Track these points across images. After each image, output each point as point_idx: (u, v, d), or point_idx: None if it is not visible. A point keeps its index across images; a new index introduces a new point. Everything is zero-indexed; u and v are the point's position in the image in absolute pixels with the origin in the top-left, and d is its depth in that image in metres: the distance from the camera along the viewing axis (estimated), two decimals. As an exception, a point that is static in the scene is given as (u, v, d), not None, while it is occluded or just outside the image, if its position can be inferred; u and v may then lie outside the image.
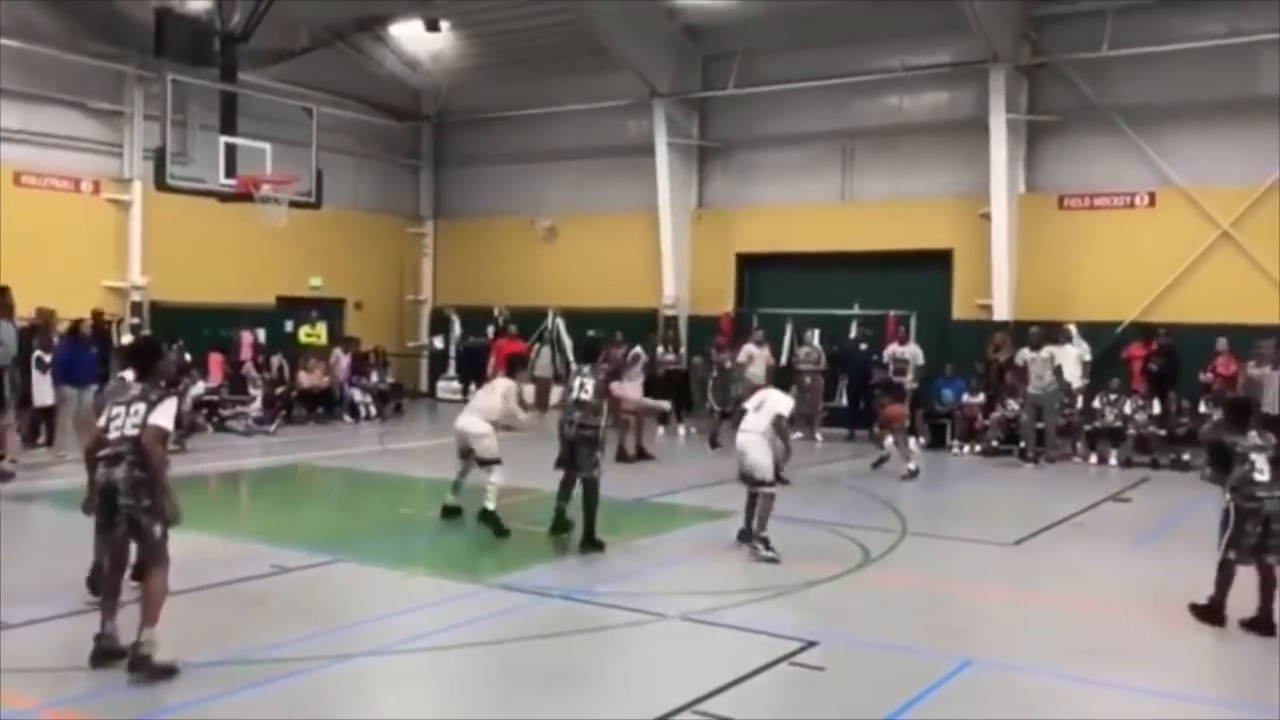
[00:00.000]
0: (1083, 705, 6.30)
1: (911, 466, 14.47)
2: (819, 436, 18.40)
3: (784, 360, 19.40)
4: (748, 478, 9.83)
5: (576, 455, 9.91)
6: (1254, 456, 7.43)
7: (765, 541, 9.50)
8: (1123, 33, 18.20)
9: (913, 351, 18.10)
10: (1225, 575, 7.50)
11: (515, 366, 11.88)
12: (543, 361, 21.27)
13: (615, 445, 15.25)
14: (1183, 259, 18.13)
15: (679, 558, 9.78)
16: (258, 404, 19.02)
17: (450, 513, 10.95)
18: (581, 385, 10.10)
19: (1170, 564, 9.81)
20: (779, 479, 11.20)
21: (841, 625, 7.55)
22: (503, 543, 10.10)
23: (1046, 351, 16.50)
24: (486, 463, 10.53)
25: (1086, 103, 19.04)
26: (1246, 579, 7.51)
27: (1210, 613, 7.56)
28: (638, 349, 16.49)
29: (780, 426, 9.92)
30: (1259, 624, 7.41)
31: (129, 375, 7.23)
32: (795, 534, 10.18)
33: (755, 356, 17.84)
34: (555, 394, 13.56)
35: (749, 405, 10.31)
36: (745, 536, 9.89)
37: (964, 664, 6.67)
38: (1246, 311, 16.92)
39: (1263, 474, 7.37)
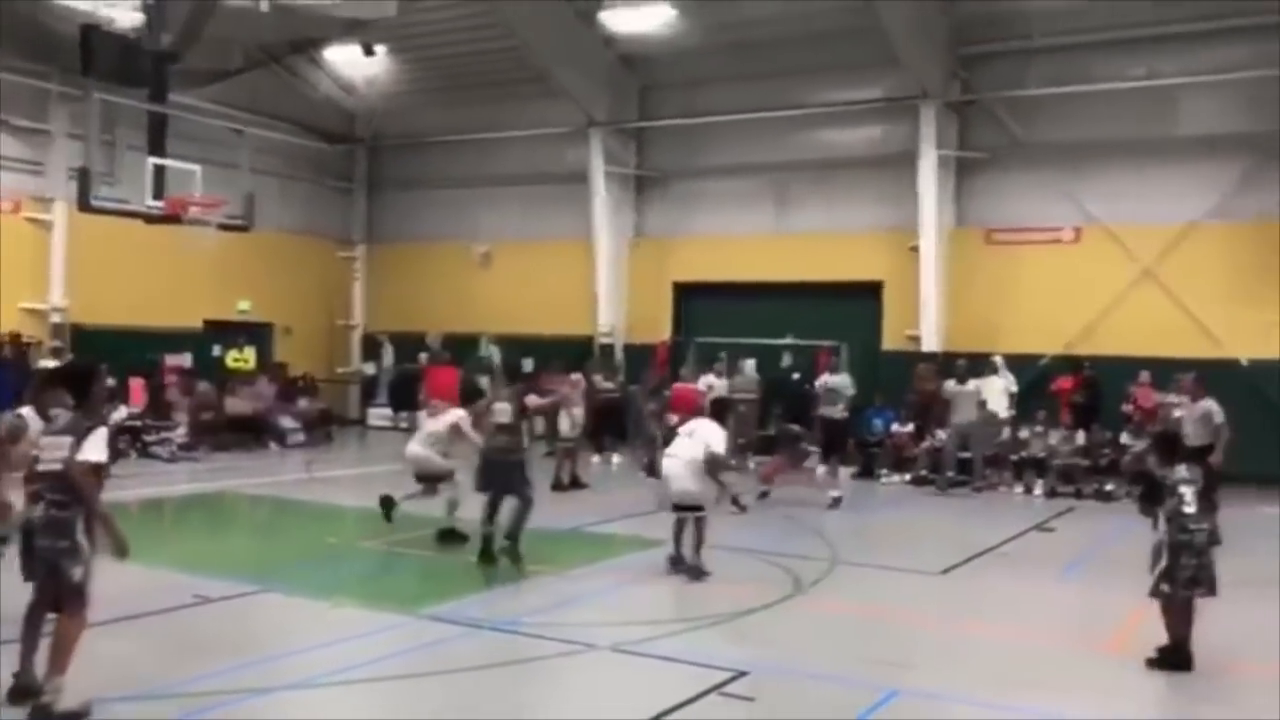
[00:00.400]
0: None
1: (835, 494, 14.59)
2: (751, 464, 18.46)
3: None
4: (678, 505, 9.87)
5: (509, 480, 9.95)
6: (1183, 489, 7.47)
7: (699, 568, 9.72)
8: (1048, 72, 18.71)
9: (843, 381, 18.25)
10: (1168, 608, 7.44)
11: (471, 396, 12.05)
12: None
13: (552, 475, 15.22)
14: (1106, 294, 18.59)
15: (611, 587, 9.73)
16: (183, 430, 18.61)
17: (386, 505, 11.38)
18: (502, 410, 10.18)
19: (1093, 593, 10.01)
20: (736, 505, 11.38)
21: (772, 655, 7.56)
22: (434, 573, 9.99)
23: (972, 385, 16.83)
24: (443, 478, 11.22)
25: (1014, 140, 19.50)
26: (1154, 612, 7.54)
27: (1174, 660, 7.37)
28: (578, 375, 16.43)
29: (710, 459, 9.89)
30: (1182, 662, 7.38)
31: (26, 411, 7.00)
32: (727, 562, 10.19)
33: (715, 386, 17.91)
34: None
35: (682, 431, 10.37)
36: (677, 563, 9.91)
37: (890, 694, 6.71)
38: (1166, 346, 17.37)
39: (1191, 506, 7.41)
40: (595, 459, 18.38)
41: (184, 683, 6.53)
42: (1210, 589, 7.36)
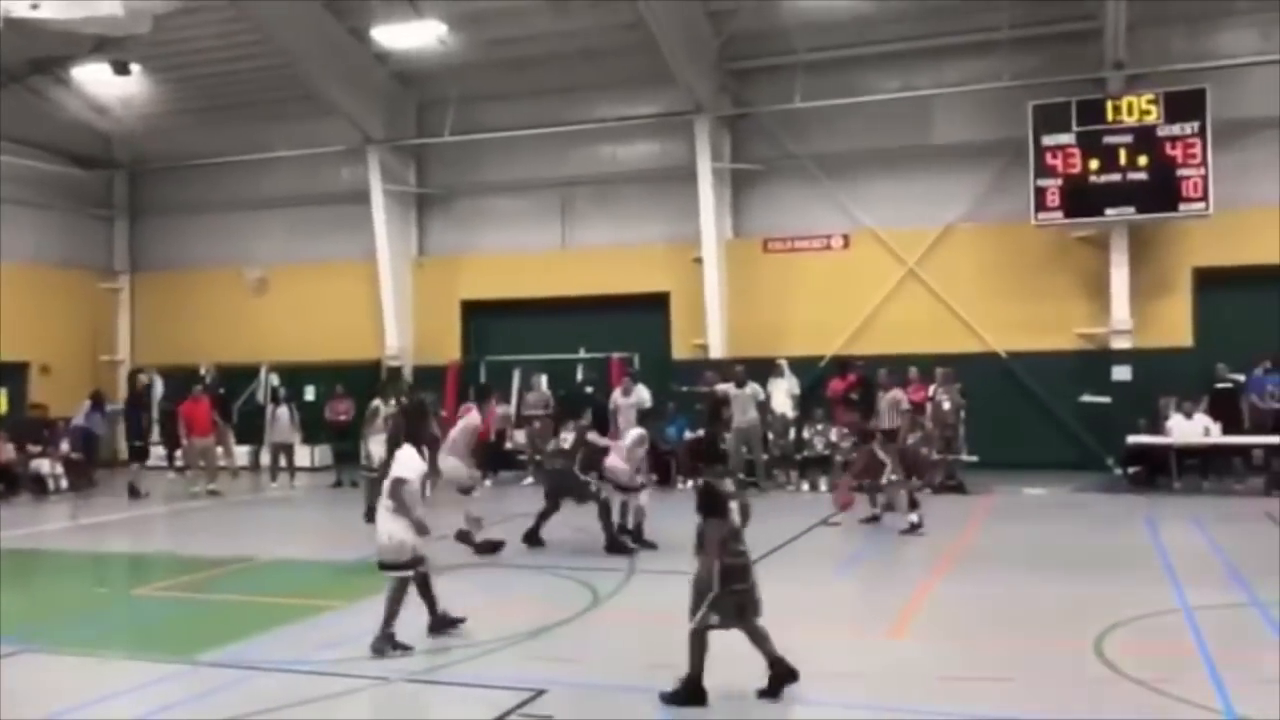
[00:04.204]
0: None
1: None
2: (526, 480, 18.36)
3: (513, 408, 19.39)
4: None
5: None
6: (732, 504, 6.51)
7: (391, 639, 7.79)
8: (813, 86, 19.52)
9: (640, 393, 18.40)
10: (700, 642, 6.48)
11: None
12: (281, 423, 19.35)
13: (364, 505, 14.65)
14: (875, 295, 19.55)
15: (405, 618, 9.43)
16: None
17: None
18: None
19: (871, 585, 10.46)
20: (484, 545, 10.96)
21: (570, 670, 7.50)
22: (214, 616, 9.46)
23: (750, 388, 17.26)
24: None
25: (785, 152, 20.26)
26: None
27: (691, 694, 6.52)
28: (376, 403, 15.65)
29: (397, 495, 7.73)
30: (787, 675, 6.71)
31: None
32: (522, 580, 10.10)
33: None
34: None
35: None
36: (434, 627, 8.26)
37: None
38: (934, 343, 18.40)
39: (738, 522, 6.53)
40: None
41: (-77, 761, 5.91)
42: (756, 611, 6.62)
